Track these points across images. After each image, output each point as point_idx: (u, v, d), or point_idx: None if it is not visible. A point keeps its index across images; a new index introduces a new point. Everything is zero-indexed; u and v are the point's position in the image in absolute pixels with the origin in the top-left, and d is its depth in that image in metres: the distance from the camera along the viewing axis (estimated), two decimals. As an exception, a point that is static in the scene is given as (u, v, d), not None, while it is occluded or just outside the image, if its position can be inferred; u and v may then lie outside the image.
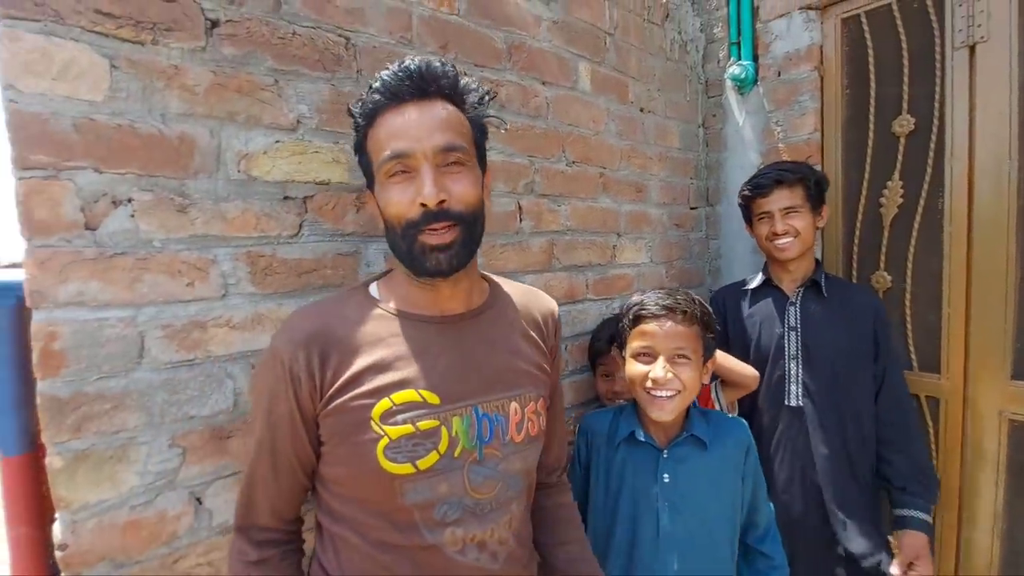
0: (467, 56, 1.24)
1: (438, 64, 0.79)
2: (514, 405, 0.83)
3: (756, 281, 1.56)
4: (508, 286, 0.97)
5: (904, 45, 1.56)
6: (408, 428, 0.73)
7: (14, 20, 0.72)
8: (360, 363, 0.75)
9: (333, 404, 0.74)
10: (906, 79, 1.56)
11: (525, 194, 1.38)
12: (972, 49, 1.42)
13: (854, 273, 1.71)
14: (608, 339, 1.43)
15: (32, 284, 0.74)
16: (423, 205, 0.74)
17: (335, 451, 0.76)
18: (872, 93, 1.63)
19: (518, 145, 1.36)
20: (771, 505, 1.23)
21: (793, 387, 1.43)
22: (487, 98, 0.85)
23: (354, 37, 1.05)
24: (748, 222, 1.59)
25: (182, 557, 0.86)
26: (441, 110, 0.78)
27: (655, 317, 1.08)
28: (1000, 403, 1.42)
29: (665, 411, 1.06)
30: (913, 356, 1.59)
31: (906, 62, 1.56)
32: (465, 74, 0.84)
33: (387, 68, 0.78)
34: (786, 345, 1.45)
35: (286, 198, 0.97)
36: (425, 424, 0.74)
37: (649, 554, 1.10)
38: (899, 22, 1.57)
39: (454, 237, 0.76)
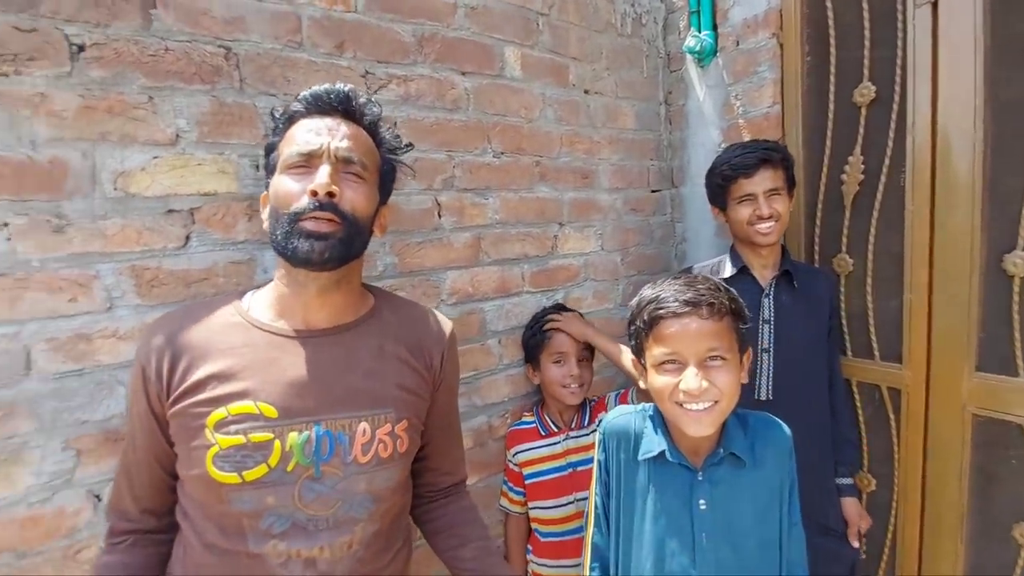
0: (368, 54, 1.22)
1: (365, 98, 0.89)
2: (363, 425, 0.82)
3: (729, 269, 1.48)
4: (400, 306, 0.98)
5: (865, 3, 1.41)
6: (239, 439, 0.76)
7: None
8: (206, 370, 0.78)
9: (175, 408, 0.78)
10: (867, 42, 1.41)
11: (444, 190, 1.37)
12: (935, 6, 1.27)
13: (816, 257, 1.60)
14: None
15: (-83, 307, 0.81)
16: (313, 193, 0.78)
17: (178, 454, 0.80)
18: (832, 60, 1.49)
19: (433, 140, 1.34)
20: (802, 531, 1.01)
21: (764, 380, 1.40)
22: (403, 149, 0.96)
23: (235, 46, 1.06)
24: (718, 205, 1.51)
25: (84, 548, 0.94)
26: (359, 132, 0.87)
27: (676, 316, 0.89)
28: (964, 397, 1.31)
29: (704, 425, 0.89)
30: (875, 345, 1.48)
31: (867, 23, 1.41)
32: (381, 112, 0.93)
33: (317, 86, 0.87)
34: (758, 338, 1.41)
35: (170, 211, 1.01)
36: (257, 437, 0.77)
37: None
38: (861, -23, 1.42)
39: (334, 230, 0.79)
